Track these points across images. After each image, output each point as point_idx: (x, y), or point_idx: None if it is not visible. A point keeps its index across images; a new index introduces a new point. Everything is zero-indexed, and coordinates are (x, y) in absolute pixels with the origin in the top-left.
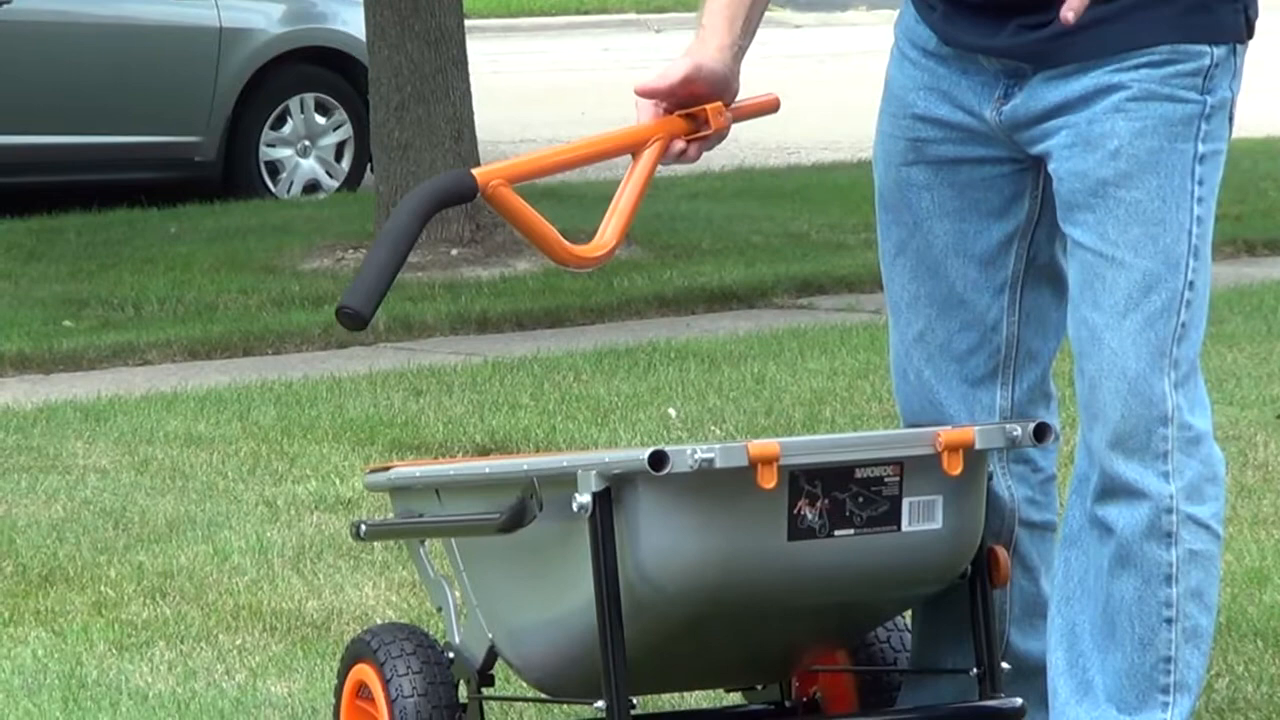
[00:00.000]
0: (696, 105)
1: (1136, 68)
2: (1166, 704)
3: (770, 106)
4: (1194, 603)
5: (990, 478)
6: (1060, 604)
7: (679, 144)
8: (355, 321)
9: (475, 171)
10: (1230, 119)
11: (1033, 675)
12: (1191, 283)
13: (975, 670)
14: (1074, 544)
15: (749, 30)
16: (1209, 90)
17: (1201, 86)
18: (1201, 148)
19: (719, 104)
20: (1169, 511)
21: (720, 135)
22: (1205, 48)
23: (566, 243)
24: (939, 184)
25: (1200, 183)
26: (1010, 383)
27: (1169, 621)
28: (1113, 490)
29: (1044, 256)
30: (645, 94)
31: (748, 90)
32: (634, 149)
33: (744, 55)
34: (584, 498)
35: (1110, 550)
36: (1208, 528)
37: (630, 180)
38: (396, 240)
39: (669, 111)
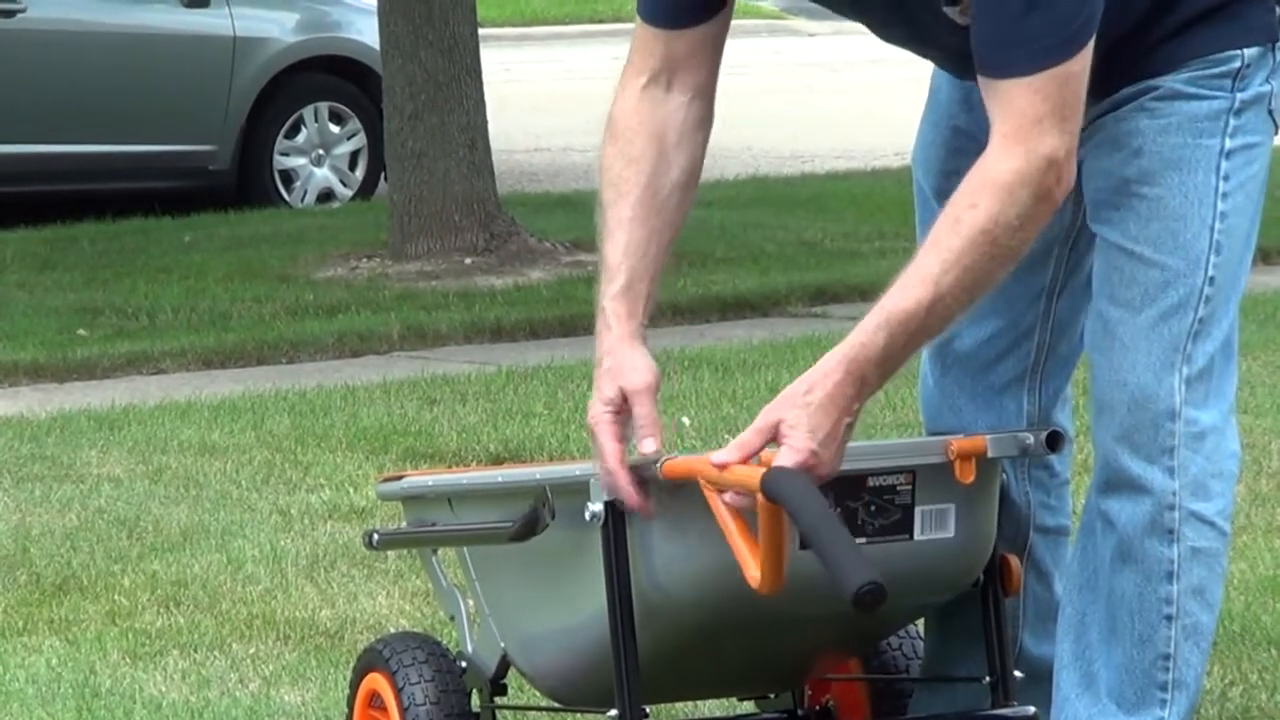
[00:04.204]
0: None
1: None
2: (1165, 701)
3: None
4: (1195, 600)
5: (1006, 484)
6: (1072, 593)
7: None
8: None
9: None
10: (1272, 114)
11: (1046, 681)
12: (1212, 279)
13: (988, 678)
14: (1088, 534)
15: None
16: (1241, 87)
17: (1232, 85)
18: (1229, 143)
19: None
20: (1171, 508)
21: None
22: (1235, 51)
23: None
24: None
25: (1226, 178)
26: (1037, 388)
27: (1169, 619)
28: (1115, 484)
29: (1085, 263)
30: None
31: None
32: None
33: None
34: (596, 506)
35: (1112, 544)
36: (1212, 524)
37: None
38: None
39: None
